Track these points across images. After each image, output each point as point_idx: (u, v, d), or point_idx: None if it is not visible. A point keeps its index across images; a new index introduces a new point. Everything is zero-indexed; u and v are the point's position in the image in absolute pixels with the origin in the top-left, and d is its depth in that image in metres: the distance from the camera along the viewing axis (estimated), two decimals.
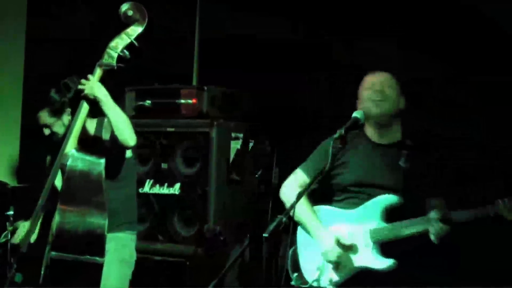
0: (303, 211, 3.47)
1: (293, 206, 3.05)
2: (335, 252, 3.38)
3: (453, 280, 4.21)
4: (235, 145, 5.22)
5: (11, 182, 5.99)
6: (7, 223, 4.50)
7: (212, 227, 4.97)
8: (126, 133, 3.75)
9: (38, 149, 4.39)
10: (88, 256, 3.67)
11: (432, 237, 3.25)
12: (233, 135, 5.22)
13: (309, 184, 3.29)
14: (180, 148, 5.23)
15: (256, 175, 5.25)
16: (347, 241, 3.39)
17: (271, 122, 5.38)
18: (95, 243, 3.68)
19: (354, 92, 3.58)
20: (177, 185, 5.19)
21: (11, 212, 4.53)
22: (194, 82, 5.77)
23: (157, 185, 5.27)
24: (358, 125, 3.38)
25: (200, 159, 5.13)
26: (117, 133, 3.74)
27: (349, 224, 3.44)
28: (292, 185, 3.62)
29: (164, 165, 5.27)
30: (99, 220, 3.70)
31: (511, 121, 4.62)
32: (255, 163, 5.31)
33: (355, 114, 3.38)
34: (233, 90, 5.38)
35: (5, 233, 4.43)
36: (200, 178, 5.12)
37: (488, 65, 4.71)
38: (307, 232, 3.51)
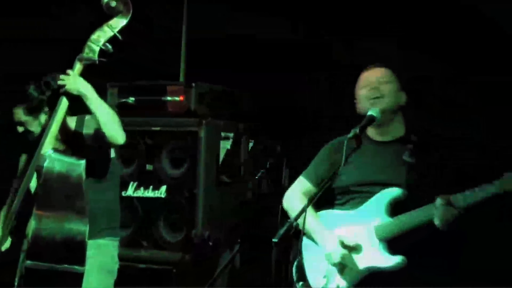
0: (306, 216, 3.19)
1: (304, 209, 2.91)
2: (338, 254, 3.21)
3: (453, 280, 4.20)
4: (225, 145, 5.01)
5: None
6: None
7: (200, 232, 4.73)
8: (115, 130, 3.52)
9: (8, 147, 4.14)
10: (67, 265, 3.38)
11: (437, 223, 3.05)
12: (222, 134, 5.00)
13: (323, 187, 3.06)
14: (166, 148, 4.99)
15: (256, 176, 5.16)
16: (350, 242, 3.21)
17: (270, 122, 5.38)
18: (75, 251, 3.40)
19: (354, 92, 3.58)
20: (163, 188, 4.94)
21: None
22: (182, 79, 5.52)
23: (142, 188, 5.00)
24: (373, 123, 3.21)
25: (188, 160, 4.90)
26: (105, 130, 3.50)
27: (353, 224, 3.27)
28: (296, 193, 3.50)
29: (149, 167, 5.02)
30: (79, 226, 3.41)
31: (511, 121, 4.62)
32: (255, 164, 5.26)
33: (370, 112, 3.21)
34: (223, 87, 5.18)
35: None
36: (187, 180, 4.88)
37: (488, 65, 4.71)
38: (311, 238, 3.35)
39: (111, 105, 4.38)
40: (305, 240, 3.30)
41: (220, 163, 4.96)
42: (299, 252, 3.17)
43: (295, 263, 3.19)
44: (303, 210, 2.91)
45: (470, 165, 4.55)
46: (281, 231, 2.84)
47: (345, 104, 3.87)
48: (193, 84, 4.93)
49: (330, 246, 3.24)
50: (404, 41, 4.96)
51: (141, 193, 5.00)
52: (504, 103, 4.68)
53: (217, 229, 4.82)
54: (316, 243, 3.34)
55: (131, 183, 5.02)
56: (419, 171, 3.22)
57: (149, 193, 4.99)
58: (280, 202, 3.57)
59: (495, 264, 4.44)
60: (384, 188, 3.23)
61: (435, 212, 3.04)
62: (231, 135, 5.03)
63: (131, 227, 4.95)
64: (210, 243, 4.71)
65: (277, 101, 5.37)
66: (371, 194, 3.26)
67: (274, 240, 2.83)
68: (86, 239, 3.43)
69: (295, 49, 5.46)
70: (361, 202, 3.29)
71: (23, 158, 3.95)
